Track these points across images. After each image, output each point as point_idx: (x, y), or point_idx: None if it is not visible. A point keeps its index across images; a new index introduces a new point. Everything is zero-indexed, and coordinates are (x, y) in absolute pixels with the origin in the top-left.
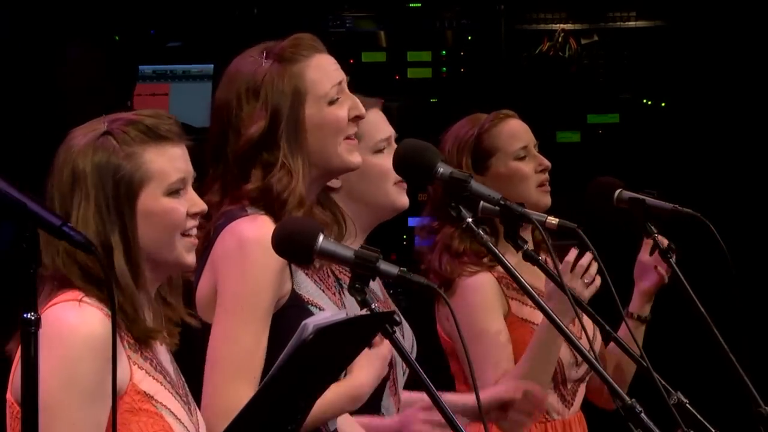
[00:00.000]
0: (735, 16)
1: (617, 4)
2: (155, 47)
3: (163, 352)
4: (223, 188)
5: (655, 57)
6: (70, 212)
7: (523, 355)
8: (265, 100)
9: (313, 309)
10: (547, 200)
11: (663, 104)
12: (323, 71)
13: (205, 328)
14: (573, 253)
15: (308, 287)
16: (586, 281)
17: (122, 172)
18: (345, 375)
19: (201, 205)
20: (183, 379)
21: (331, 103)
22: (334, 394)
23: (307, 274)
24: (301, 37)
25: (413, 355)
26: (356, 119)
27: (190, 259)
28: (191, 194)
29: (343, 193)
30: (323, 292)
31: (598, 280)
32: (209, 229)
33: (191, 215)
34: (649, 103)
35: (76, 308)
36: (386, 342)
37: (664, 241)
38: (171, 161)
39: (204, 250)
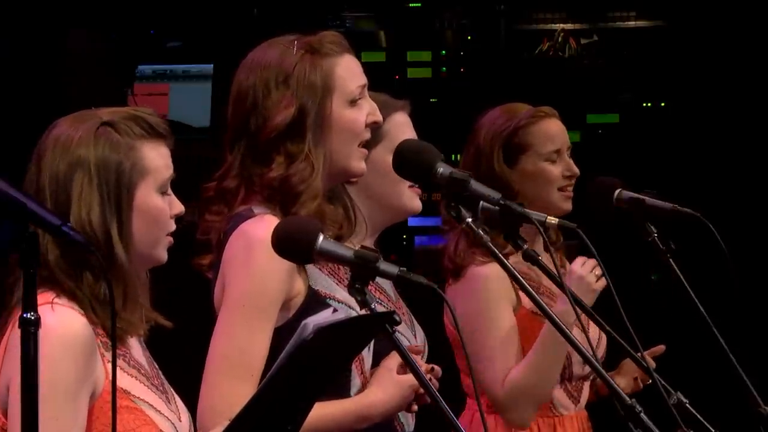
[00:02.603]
0: (735, 16)
1: (617, 4)
2: (155, 47)
3: (134, 345)
4: (241, 174)
5: (655, 57)
6: (69, 196)
7: (525, 357)
8: (294, 90)
9: (332, 303)
10: (567, 206)
11: (663, 104)
12: (351, 71)
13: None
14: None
15: (323, 282)
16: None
17: (123, 166)
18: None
19: (180, 207)
20: (157, 368)
21: (353, 103)
22: (340, 409)
23: (319, 269)
24: (332, 34)
25: (424, 358)
26: (373, 125)
27: (165, 256)
28: (172, 195)
29: (358, 189)
30: (337, 285)
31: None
32: (220, 233)
33: (172, 216)
34: (649, 103)
35: (50, 311)
36: (410, 375)
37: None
38: (164, 158)
39: (216, 256)
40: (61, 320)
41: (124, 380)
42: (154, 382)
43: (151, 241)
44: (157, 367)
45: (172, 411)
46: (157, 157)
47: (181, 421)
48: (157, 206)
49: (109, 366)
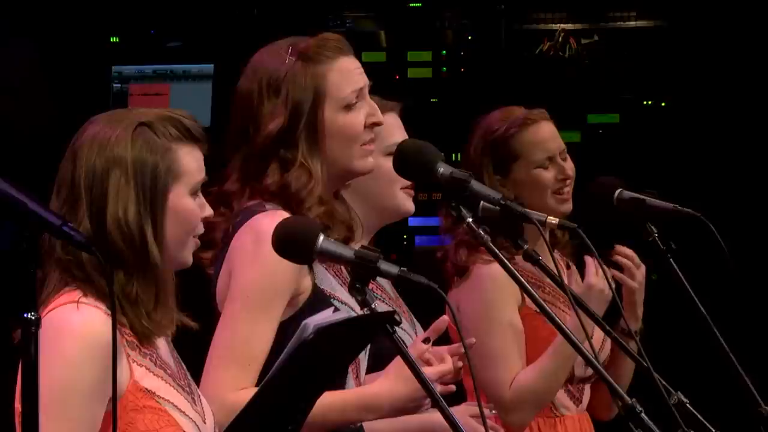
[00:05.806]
0: (735, 16)
1: (617, 4)
2: (155, 47)
3: (162, 345)
4: (241, 179)
5: (655, 57)
6: (105, 192)
7: (536, 362)
8: (285, 97)
9: (335, 303)
10: (564, 207)
11: (663, 104)
12: (345, 75)
13: None
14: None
15: (329, 281)
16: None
17: (159, 167)
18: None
19: (210, 210)
20: (184, 368)
21: (348, 108)
22: (339, 399)
23: (326, 269)
24: (328, 37)
25: None
26: (373, 126)
27: (191, 259)
28: (202, 198)
29: (351, 191)
30: (341, 286)
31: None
32: (227, 226)
33: (202, 219)
34: (650, 103)
35: (75, 310)
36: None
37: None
38: (197, 162)
39: (222, 248)
40: (85, 319)
41: (150, 381)
42: (181, 383)
43: (180, 243)
44: (184, 367)
45: (196, 412)
46: (192, 161)
47: (205, 422)
48: (189, 208)
49: (134, 365)
